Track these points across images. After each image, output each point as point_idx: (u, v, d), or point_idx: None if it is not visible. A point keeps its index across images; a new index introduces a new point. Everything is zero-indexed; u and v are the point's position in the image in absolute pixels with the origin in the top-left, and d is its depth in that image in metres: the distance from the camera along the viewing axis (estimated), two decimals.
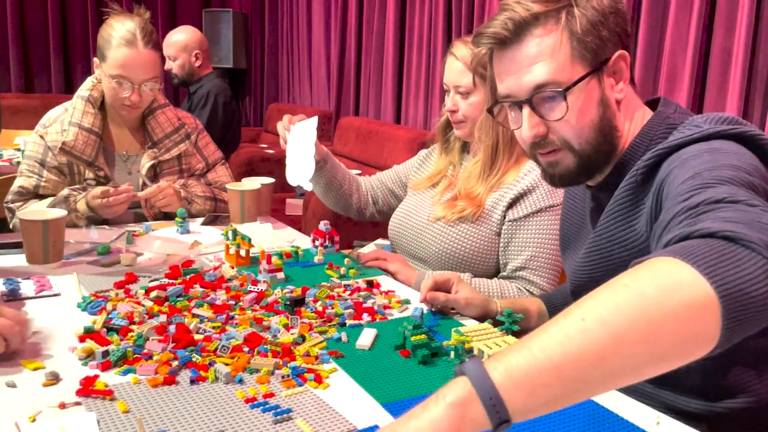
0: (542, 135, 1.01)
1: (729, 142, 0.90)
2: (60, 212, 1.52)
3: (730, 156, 0.86)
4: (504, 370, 0.60)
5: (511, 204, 1.53)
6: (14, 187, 1.86)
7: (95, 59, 1.85)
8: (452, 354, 1.08)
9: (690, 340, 0.61)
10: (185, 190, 1.90)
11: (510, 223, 1.53)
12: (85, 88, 1.90)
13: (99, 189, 1.74)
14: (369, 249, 1.90)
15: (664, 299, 0.60)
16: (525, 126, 1.01)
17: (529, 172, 1.54)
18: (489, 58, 1.06)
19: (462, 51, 1.56)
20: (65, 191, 1.80)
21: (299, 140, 1.64)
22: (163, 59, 1.91)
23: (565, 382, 0.60)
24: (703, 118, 0.98)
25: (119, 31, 1.78)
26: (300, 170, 1.63)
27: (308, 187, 1.60)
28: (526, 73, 0.99)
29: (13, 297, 1.29)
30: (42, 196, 1.85)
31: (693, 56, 2.47)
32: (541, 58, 0.98)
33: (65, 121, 1.84)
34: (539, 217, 1.51)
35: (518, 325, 1.16)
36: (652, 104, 1.09)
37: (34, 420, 0.86)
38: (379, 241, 2.09)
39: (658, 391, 1.04)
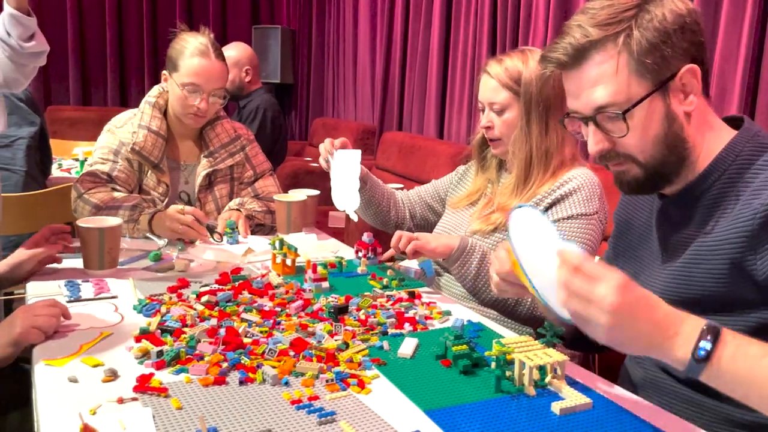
0: (607, 149, 1.05)
1: None
2: (116, 221, 1.58)
3: None
4: (730, 355, 0.81)
5: (546, 210, 1.54)
6: (87, 170, 1.89)
7: (164, 72, 1.95)
8: (493, 364, 1.09)
9: None
10: (244, 208, 1.97)
11: None
12: (152, 95, 1.99)
13: (175, 207, 1.75)
14: (410, 262, 1.93)
15: None
16: (590, 141, 1.06)
17: (565, 183, 1.53)
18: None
19: (495, 69, 1.58)
20: (136, 199, 1.83)
21: (343, 168, 1.71)
22: (228, 73, 2.00)
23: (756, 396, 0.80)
24: None
25: (193, 43, 1.89)
26: (345, 199, 1.70)
27: (354, 217, 1.66)
28: (587, 95, 1.02)
29: (74, 298, 1.36)
30: (115, 184, 1.88)
31: (743, 74, 2.43)
32: (600, 81, 1.00)
33: (134, 123, 1.94)
34: (569, 223, 1.51)
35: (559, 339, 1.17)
36: (733, 121, 1.09)
37: (94, 413, 0.92)
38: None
39: (706, 400, 1.04)
